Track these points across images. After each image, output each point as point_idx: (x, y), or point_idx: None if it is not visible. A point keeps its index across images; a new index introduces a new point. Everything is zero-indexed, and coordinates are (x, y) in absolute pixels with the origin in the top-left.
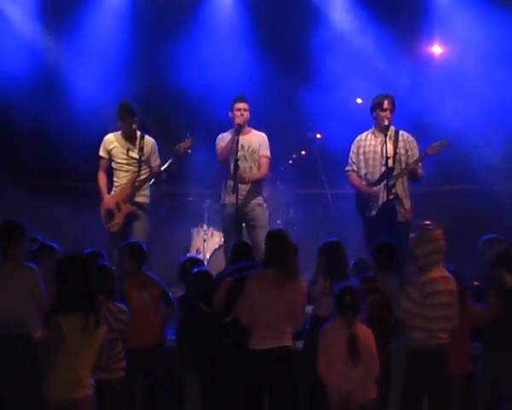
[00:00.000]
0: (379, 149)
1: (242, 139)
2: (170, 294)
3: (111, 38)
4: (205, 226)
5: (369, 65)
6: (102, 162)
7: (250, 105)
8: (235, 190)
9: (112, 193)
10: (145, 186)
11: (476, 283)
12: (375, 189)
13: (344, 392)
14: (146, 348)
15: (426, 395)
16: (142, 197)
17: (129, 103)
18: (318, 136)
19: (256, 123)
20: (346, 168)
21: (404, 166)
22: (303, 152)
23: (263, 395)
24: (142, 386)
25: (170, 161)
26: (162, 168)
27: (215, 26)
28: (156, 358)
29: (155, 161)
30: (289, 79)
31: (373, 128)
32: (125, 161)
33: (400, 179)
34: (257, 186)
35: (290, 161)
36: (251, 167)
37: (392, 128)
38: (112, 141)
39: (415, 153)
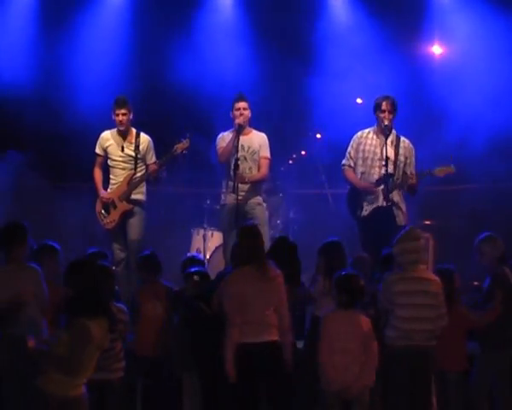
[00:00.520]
0: (378, 150)
1: (243, 140)
2: None
3: (111, 38)
4: (205, 226)
5: (370, 65)
6: (98, 159)
7: (250, 104)
8: (235, 189)
9: (108, 190)
10: (141, 184)
11: (476, 283)
12: (374, 189)
13: (343, 384)
14: (153, 358)
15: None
16: (139, 195)
17: (118, 97)
18: (318, 136)
19: (255, 122)
20: (343, 162)
21: (401, 173)
22: (303, 152)
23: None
24: (141, 386)
25: (166, 161)
26: (157, 164)
27: (215, 24)
28: (160, 365)
29: (151, 159)
30: (289, 78)
31: (375, 127)
32: (120, 159)
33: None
34: (256, 186)
35: (290, 161)
36: (251, 168)
37: (394, 133)
38: (108, 138)
39: (412, 161)
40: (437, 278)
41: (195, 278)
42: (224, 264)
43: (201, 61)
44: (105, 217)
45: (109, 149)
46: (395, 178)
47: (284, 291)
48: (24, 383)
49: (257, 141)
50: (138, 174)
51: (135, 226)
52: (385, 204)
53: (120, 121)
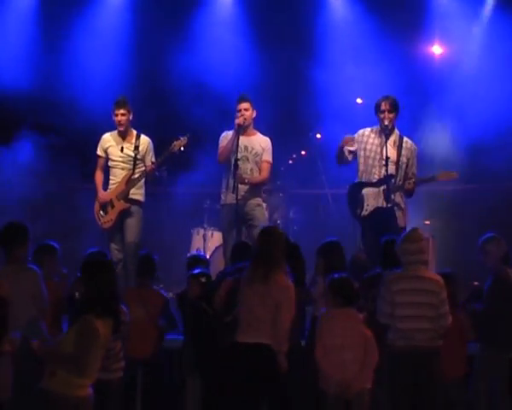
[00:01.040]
0: (379, 149)
1: (247, 140)
2: (170, 295)
3: (110, 39)
4: (205, 226)
5: (370, 65)
6: (100, 161)
7: (254, 105)
8: (234, 190)
9: (107, 191)
10: (139, 184)
11: (476, 283)
12: (370, 189)
13: (342, 381)
14: (140, 359)
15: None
16: (137, 195)
17: (118, 97)
18: (318, 136)
19: (256, 122)
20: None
21: (403, 174)
22: (303, 152)
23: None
24: (141, 386)
25: (163, 159)
26: (155, 163)
27: (214, 22)
28: (149, 368)
29: (150, 161)
30: (289, 78)
31: (378, 127)
32: (120, 159)
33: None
34: (256, 187)
35: (290, 161)
36: (252, 169)
37: (397, 133)
38: (108, 140)
39: (414, 162)
40: (439, 277)
41: (203, 280)
42: (224, 264)
43: (201, 61)
44: (102, 217)
45: (109, 150)
46: (397, 179)
47: (289, 300)
48: (29, 385)
49: (260, 144)
50: (136, 174)
51: (132, 228)
52: (385, 205)
53: (119, 121)
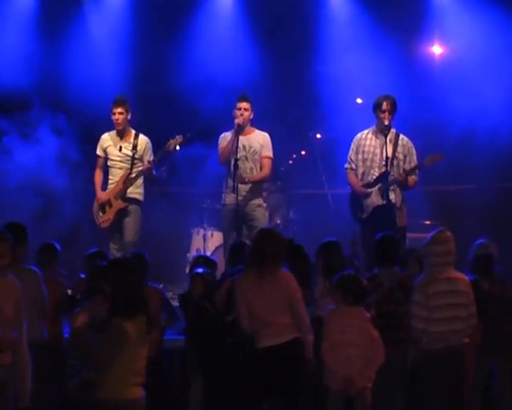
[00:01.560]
0: (378, 150)
1: (244, 139)
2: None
3: (110, 39)
4: (205, 226)
5: (370, 65)
6: (99, 161)
7: (253, 104)
8: (235, 190)
9: (106, 190)
10: (138, 183)
11: None
12: (368, 190)
13: (347, 376)
14: None
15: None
16: (136, 194)
17: (116, 96)
18: (318, 136)
19: (256, 122)
20: (345, 166)
21: (401, 171)
22: (303, 152)
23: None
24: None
25: (160, 157)
26: (151, 161)
27: (214, 22)
28: (152, 367)
29: (148, 160)
30: (289, 78)
31: (374, 127)
32: (118, 158)
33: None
34: (257, 187)
35: (290, 161)
36: (252, 168)
37: (393, 131)
38: (107, 139)
39: (413, 159)
40: (465, 277)
41: (208, 279)
42: (224, 264)
43: (200, 59)
44: (101, 216)
45: (108, 150)
46: (394, 176)
47: (295, 290)
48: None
49: (258, 140)
50: (134, 174)
51: (131, 227)
52: (384, 202)
53: (116, 120)
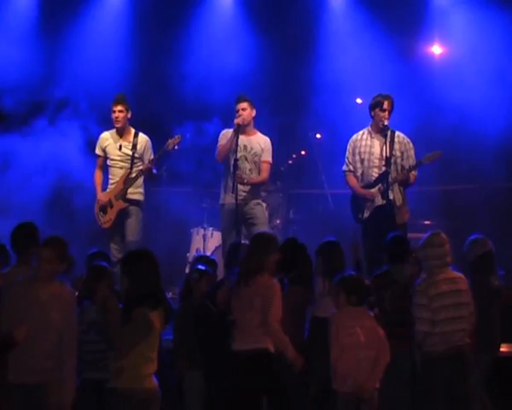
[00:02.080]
0: (375, 149)
1: (246, 140)
2: (169, 295)
3: (110, 35)
4: (205, 226)
5: (369, 65)
6: (98, 160)
7: (253, 104)
8: (234, 189)
9: (107, 190)
10: (138, 183)
11: None
12: (372, 190)
13: (356, 381)
14: None
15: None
16: (136, 194)
17: (116, 95)
18: (318, 136)
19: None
20: (343, 168)
21: (399, 168)
22: (303, 152)
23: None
24: None
25: (159, 157)
26: (152, 161)
27: (214, 22)
28: None
29: (149, 159)
30: (289, 78)
31: (369, 127)
32: (118, 158)
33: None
34: (256, 187)
35: (290, 161)
36: (251, 169)
37: (389, 129)
38: (107, 138)
39: (410, 154)
40: (462, 275)
41: (212, 277)
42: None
43: (200, 58)
44: (102, 217)
45: (107, 149)
46: (392, 174)
47: (274, 301)
48: None
49: (260, 144)
50: (134, 173)
51: (132, 227)
52: (384, 202)
53: (116, 118)
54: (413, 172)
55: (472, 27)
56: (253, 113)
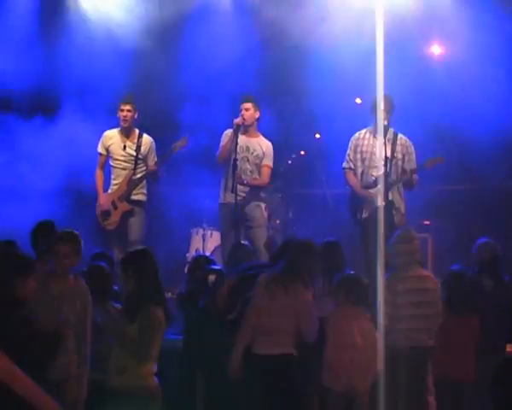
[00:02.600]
0: (376, 150)
1: (248, 141)
2: (169, 295)
3: (109, 38)
4: (204, 226)
5: (369, 65)
6: (101, 159)
7: (257, 105)
8: (233, 189)
9: (109, 191)
10: (141, 184)
11: None
12: (371, 191)
13: (350, 380)
14: None
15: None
16: (140, 195)
17: (124, 94)
18: (318, 136)
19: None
20: (343, 165)
21: (400, 170)
22: (303, 152)
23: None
24: None
25: (164, 159)
26: (156, 164)
27: (214, 23)
28: None
29: (152, 161)
30: (289, 77)
31: (372, 127)
32: (122, 158)
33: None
34: (255, 188)
35: (290, 161)
36: (252, 171)
37: (391, 130)
38: (111, 136)
39: (412, 158)
40: (431, 275)
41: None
42: (223, 263)
43: (201, 58)
44: (106, 219)
45: (111, 148)
46: (394, 176)
47: (309, 317)
48: None
49: (262, 147)
50: (138, 175)
51: (135, 228)
52: (383, 203)
53: (124, 117)
54: (414, 176)
55: (472, 27)
56: (257, 114)
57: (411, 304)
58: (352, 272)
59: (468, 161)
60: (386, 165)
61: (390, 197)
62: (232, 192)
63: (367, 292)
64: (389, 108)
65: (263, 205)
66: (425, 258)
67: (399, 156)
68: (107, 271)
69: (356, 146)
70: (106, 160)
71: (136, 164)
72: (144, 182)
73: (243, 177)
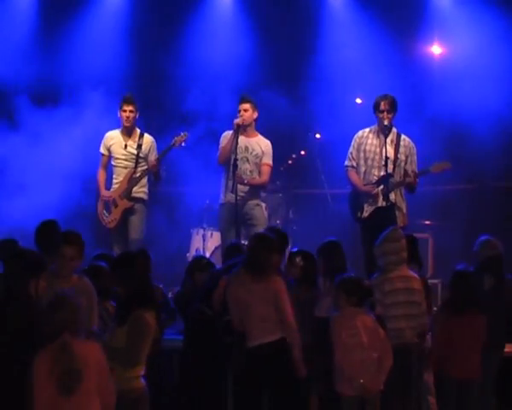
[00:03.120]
0: (379, 149)
1: (247, 141)
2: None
3: (110, 36)
4: (204, 226)
5: (369, 65)
6: (103, 159)
7: (255, 105)
8: (234, 189)
9: (110, 190)
10: (143, 182)
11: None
12: (374, 190)
13: (364, 384)
14: None
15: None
16: (141, 193)
17: (126, 93)
18: (318, 136)
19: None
20: (346, 163)
21: (402, 172)
22: (303, 152)
23: (262, 394)
24: None
25: (165, 154)
26: (157, 160)
27: (214, 22)
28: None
29: (154, 159)
30: (289, 77)
31: (375, 127)
32: (123, 157)
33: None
34: (255, 188)
35: (290, 161)
36: (252, 171)
37: (394, 131)
38: (112, 137)
39: (414, 159)
40: (417, 276)
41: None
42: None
43: (200, 58)
44: (106, 216)
45: (112, 148)
46: (396, 177)
47: (286, 296)
48: None
49: (261, 146)
50: (138, 173)
51: (136, 225)
52: (384, 204)
53: (127, 117)
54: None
55: (472, 27)
56: (255, 115)
57: (401, 303)
58: (351, 274)
59: (468, 160)
60: (386, 165)
61: (392, 198)
62: (232, 192)
63: (368, 293)
64: (390, 108)
65: (263, 204)
66: (425, 258)
67: (403, 158)
68: (107, 270)
69: (359, 145)
70: (108, 160)
71: (137, 162)
72: (146, 180)
73: (243, 176)
